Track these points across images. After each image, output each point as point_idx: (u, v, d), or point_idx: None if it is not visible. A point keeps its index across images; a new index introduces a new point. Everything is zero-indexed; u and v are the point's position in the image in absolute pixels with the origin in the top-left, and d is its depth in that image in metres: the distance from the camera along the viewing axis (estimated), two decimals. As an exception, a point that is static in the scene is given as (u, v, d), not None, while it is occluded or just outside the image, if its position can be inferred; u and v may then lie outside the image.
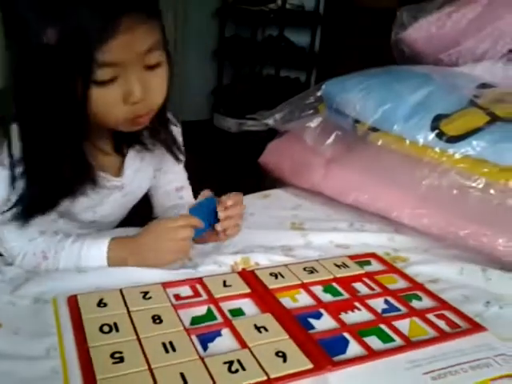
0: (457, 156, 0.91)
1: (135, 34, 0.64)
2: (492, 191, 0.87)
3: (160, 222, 0.78)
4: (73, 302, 0.66)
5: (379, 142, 1.01)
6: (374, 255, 0.88)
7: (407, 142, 0.96)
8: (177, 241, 0.76)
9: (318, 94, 1.14)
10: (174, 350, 0.58)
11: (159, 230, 0.76)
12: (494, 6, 1.22)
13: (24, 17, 0.62)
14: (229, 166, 2.82)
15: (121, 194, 0.86)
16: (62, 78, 0.63)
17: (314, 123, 1.12)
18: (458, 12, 1.25)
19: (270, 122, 1.18)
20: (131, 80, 0.66)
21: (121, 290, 0.69)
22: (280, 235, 0.94)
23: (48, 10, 0.61)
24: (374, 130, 1.03)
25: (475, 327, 0.67)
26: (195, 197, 0.88)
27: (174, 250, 0.76)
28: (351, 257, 0.85)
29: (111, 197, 0.85)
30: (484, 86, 1.06)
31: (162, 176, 0.95)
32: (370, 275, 0.80)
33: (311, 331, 0.64)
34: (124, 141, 0.83)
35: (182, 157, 0.90)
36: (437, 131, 0.93)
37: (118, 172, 0.85)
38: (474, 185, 0.88)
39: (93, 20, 0.60)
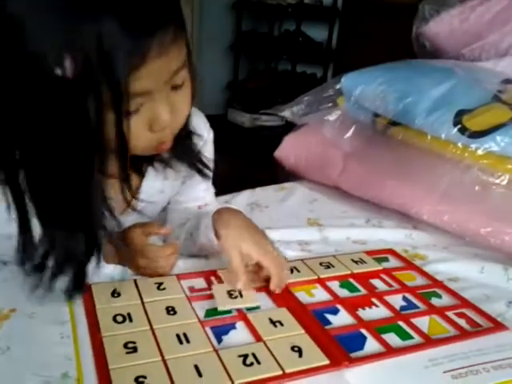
0: (480, 152, 0.89)
1: (167, 56, 0.52)
2: (516, 188, 0.85)
3: (149, 250, 0.69)
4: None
5: (399, 137, 0.99)
6: (391, 251, 0.86)
7: (428, 136, 0.95)
8: (162, 268, 0.71)
9: (337, 86, 1.12)
10: (188, 341, 0.57)
11: (146, 257, 0.69)
12: (521, -2, 1.19)
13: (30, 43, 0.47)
14: (243, 161, 2.81)
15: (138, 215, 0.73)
16: (80, 119, 0.50)
17: (332, 116, 1.10)
18: (482, 5, 1.22)
19: (288, 114, 1.16)
20: (159, 105, 0.56)
21: (135, 281, 0.69)
22: (296, 230, 0.93)
23: (59, 27, 0.46)
24: (394, 124, 1.01)
25: (497, 326, 0.65)
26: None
27: (156, 273, 0.71)
28: (368, 252, 0.84)
29: (126, 221, 0.71)
30: (508, 81, 1.04)
31: (184, 190, 0.82)
32: (387, 271, 0.78)
33: (328, 327, 0.63)
34: (142, 159, 0.71)
35: (208, 172, 0.77)
36: (459, 126, 0.91)
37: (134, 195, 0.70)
38: (497, 181, 0.86)
39: (120, 42, 0.47)
